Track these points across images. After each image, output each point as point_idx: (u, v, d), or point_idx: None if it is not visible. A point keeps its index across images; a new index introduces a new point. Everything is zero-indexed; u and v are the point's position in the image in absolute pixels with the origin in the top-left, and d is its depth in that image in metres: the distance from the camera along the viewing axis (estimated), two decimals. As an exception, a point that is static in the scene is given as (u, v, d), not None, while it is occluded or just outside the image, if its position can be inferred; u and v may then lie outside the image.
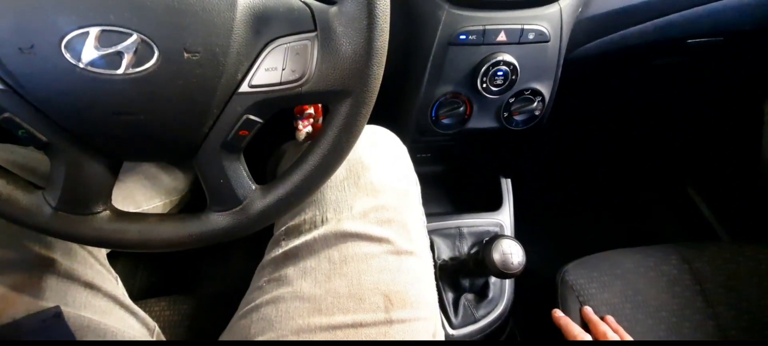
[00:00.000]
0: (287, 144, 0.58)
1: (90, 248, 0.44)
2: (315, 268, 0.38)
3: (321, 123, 0.60)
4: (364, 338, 0.36)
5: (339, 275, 0.38)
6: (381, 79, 0.30)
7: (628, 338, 0.52)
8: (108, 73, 0.27)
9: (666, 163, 1.04)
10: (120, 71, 0.27)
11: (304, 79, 0.29)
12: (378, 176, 0.42)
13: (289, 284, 0.38)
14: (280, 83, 0.29)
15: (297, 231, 0.41)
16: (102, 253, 0.47)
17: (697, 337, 0.57)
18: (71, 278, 0.40)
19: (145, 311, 0.47)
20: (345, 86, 0.29)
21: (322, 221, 0.40)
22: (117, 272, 0.48)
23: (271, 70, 0.29)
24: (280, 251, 0.41)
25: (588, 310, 0.56)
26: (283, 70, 0.29)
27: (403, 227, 0.41)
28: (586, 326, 0.55)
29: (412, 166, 0.48)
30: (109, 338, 0.40)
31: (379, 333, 0.36)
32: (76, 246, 0.42)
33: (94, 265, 0.44)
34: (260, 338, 0.37)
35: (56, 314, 0.36)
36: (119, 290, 0.45)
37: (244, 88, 0.29)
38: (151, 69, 0.27)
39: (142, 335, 0.44)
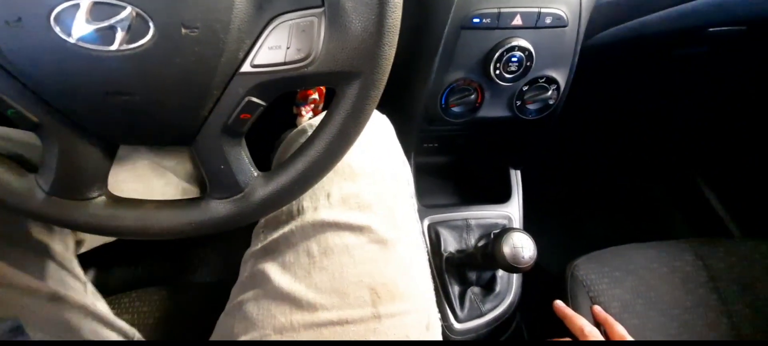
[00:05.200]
0: (288, 132, 0.56)
1: (53, 251, 0.40)
2: (294, 263, 0.36)
3: (320, 110, 0.58)
4: (351, 336, 0.33)
5: (319, 269, 0.35)
6: (392, 60, 0.28)
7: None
8: (100, 50, 0.25)
9: (677, 158, 1.01)
10: (113, 47, 0.25)
11: (310, 59, 0.27)
12: (357, 158, 0.39)
13: (269, 280, 0.36)
14: (284, 63, 0.27)
15: (275, 223, 0.39)
16: (67, 255, 0.42)
17: (711, 335, 0.55)
18: (31, 291, 0.36)
19: (127, 304, 0.44)
20: (353, 67, 0.27)
21: (299, 211, 0.37)
22: (93, 264, 0.44)
23: (274, 48, 0.27)
24: (260, 245, 0.39)
25: (599, 309, 0.54)
26: (287, 49, 0.27)
27: (388, 212, 0.38)
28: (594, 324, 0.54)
29: (399, 145, 0.44)
30: None
31: (367, 330, 0.34)
32: (37, 253, 0.39)
33: (57, 272, 0.39)
34: (243, 338, 0.35)
35: (14, 328, 0.31)
36: (89, 298, 0.41)
37: (246, 67, 0.27)
38: (147, 45, 0.25)
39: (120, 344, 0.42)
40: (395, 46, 0.28)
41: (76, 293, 0.40)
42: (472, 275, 0.59)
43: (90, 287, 0.44)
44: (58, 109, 0.28)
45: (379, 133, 0.43)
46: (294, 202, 0.38)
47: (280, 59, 0.27)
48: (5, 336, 0.30)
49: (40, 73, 0.26)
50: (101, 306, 0.43)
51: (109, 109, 0.28)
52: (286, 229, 0.38)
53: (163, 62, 0.26)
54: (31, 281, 0.37)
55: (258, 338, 0.35)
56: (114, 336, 0.42)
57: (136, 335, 0.45)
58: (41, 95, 0.27)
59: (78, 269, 0.43)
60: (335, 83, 0.29)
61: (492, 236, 0.50)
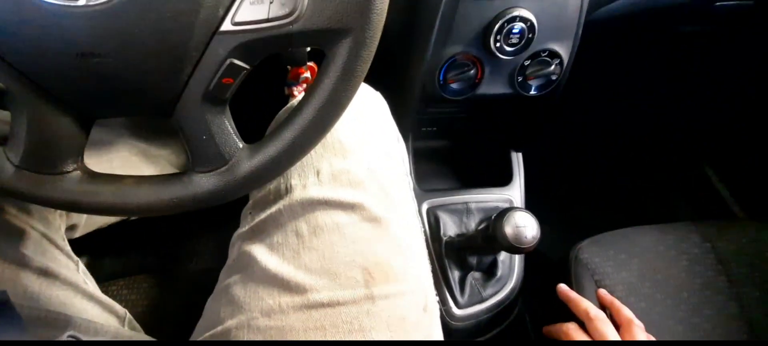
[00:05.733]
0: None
1: (45, 230, 0.40)
2: (282, 243, 0.34)
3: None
4: (344, 317, 0.32)
5: (308, 249, 0.34)
6: (385, 16, 0.26)
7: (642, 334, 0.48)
8: (67, 5, 0.23)
9: (683, 141, 0.99)
10: (81, 2, 0.23)
11: (295, 15, 0.25)
12: (348, 133, 0.37)
13: (256, 262, 0.35)
14: (268, 20, 0.25)
15: (263, 203, 0.37)
16: (60, 235, 0.42)
17: (720, 318, 0.53)
18: (21, 265, 0.36)
19: (115, 292, 0.43)
20: (343, 24, 0.25)
21: (287, 190, 0.36)
22: (84, 251, 0.44)
23: (256, 3, 0.25)
24: (247, 226, 0.37)
25: (605, 293, 0.52)
26: (270, 3, 0.25)
27: (381, 189, 0.36)
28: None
29: (392, 121, 0.43)
30: (70, 328, 0.36)
31: (361, 311, 0.32)
32: (27, 228, 0.38)
33: (49, 250, 0.39)
34: (230, 322, 0.34)
35: (2, 302, 0.30)
36: (80, 276, 0.41)
37: (227, 26, 0.25)
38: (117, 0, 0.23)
39: (111, 323, 0.41)
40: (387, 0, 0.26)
41: (68, 271, 0.39)
42: (473, 260, 0.57)
43: (82, 267, 0.43)
44: (25, 74, 0.26)
45: (371, 108, 0.41)
46: (282, 180, 0.36)
47: (263, 16, 0.25)
48: None
49: (3, 32, 0.24)
50: (92, 286, 0.42)
51: (81, 74, 0.26)
52: (274, 209, 0.36)
53: (136, 19, 0.24)
54: (21, 254, 0.36)
55: (245, 322, 0.33)
56: (104, 315, 0.41)
57: (127, 314, 0.44)
58: (5, 58, 0.25)
59: (69, 248, 0.42)
60: (324, 44, 0.27)
61: (493, 217, 0.48)
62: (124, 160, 0.54)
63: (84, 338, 0.33)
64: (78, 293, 0.39)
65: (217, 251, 0.76)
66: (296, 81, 0.52)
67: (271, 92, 0.52)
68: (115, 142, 0.54)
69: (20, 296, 0.35)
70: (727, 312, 0.54)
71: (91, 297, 0.40)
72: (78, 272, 0.41)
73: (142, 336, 0.42)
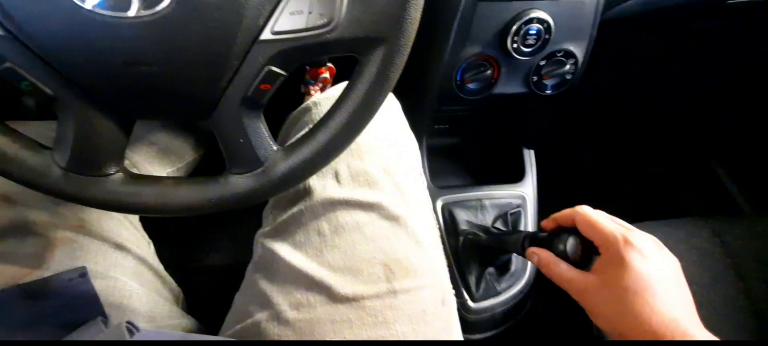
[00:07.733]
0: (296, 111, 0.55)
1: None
2: (305, 242, 0.36)
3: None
4: (368, 311, 0.34)
5: (331, 248, 0.35)
6: (417, 25, 0.27)
7: None
8: (117, 16, 0.24)
9: (692, 136, 1.00)
10: (130, 13, 0.24)
11: (332, 25, 0.26)
12: (364, 134, 0.37)
13: (281, 259, 0.36)
14: (306, 29, 0.26)
15: (283, 203, 0.38)
16: (135, 216, 0.46)
17: (729, 312, 0.55)
18: (102, 238, 0.39)
19: None
20: (378, 32, 0.26)
21: (306, 191, 0.37)
22: None
23: (295, 13, 0.26)
24: (269, 227, 0.39)
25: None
26: (309, 13, 0.26)
27: (397, 189, 0.38)
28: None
29: (405, 122, 0.44)
30: (133, 300, 0.39)
31: (383, 305, 0.34)
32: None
33: (128, 227, 0.43)
34: (259, 315, 0.36)
35: (82, 274, 0.35)
36: (150, 253, 0.45)
37: (266, 35, 0.26)
38: (165, 11, 0.24)
39: (167, 299, 0.43)
40: (421, 10, 0.27)
41: (140, 248, 0.43)
42: (488, 255, 0.58)
43: (153, 248, 0.46)
44: (74, 81, 0.27)
45: (386, 109, 0.42)
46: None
47: (302, 25, 0.26)
48: (76, 281, 0.34)
49: (55, 42, 0.25)
50: (158, 264, 0.45)
51: (127, 81, 0.27)
52: (295, 209, 0.37)
53: (182, 29, 0.25)
54: (104, 228, 0.40)
55: (274, 315, 0.35)
56: (165, 291, 0.44)
57: (181, 294, 0.47)
58: (56, 66, 0.26)
59: (142, 229, 0.46)
60: (358, 50, 0.28)
61: (561, 234, 0.42)
62: (142, 156, 0.56)
63: (141, 326, 0.36)
64: (146, 268, 0.42)
65: (232, 247, 0.77)
66: (315, 80, 0.53)
67: (289, 92, 0.53)
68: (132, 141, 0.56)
69: (99, 264, 0.38)
70: (736, 305, 0.55)
71: (156, 273, 0.43)
72: (149, 248, 0.45)
73: (190, 320, 0.44)
